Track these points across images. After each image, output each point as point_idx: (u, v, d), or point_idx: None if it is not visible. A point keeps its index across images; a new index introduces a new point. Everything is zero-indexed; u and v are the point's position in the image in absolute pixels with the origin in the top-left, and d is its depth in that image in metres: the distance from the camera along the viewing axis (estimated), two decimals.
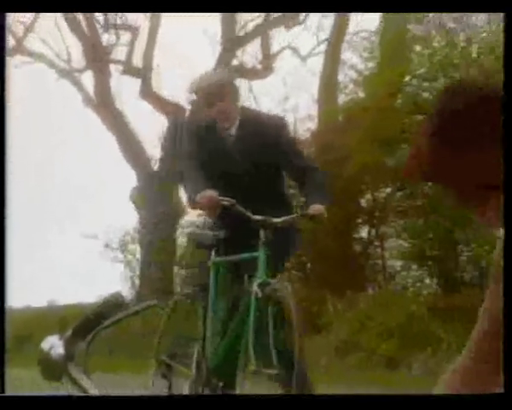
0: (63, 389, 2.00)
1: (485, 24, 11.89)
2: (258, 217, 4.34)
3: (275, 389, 3.99)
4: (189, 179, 4.62)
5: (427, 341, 8.93)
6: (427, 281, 12.04)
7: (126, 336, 12.90)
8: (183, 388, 4.62)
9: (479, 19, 12.01)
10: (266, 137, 4.53)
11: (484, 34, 11.67)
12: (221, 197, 4.33)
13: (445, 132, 1.93)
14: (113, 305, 2.12)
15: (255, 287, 4.14)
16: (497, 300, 2.05)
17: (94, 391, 1.97)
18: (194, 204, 4.56)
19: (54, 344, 1.97)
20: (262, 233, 4.29)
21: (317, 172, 4.63)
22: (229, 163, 4.57)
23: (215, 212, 4.44)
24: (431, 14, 12.01)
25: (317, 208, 4.39)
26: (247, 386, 4.17)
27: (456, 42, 11.71)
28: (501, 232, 2.04)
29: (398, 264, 12.50)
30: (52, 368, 1.93)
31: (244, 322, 4.25)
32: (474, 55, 11.48)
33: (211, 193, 4.33)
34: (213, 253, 4.70)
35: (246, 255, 4.45)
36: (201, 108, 4.72)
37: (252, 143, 4.53)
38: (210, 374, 4.49)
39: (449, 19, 12.04)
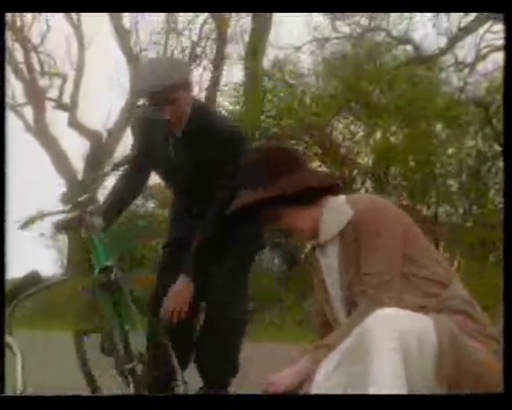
0: None
1: (315, 83, 12.65)
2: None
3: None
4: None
5: (273, 301, 9.81)
6: (276, 261, 12.61)
7: (58, 301, 12.87)
8: None
9: (311, 78, 12.76)
10: (212, 146, 2.96)
11: (313, 89, 12.40)
12: None
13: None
14: (30, 280, 2.10)
15: (96, 274, 3.04)
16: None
17: (16, 347, 1.85)
18: None
19: None
20: (87, 217, 3.02)
21: (214, 206, 2.94)
22: (169, 163, 3.08)
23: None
24: (278, 74, 12.62)
25: None
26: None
27: (295, 93, 12.36)
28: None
29: None
30: None
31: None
32: (308, 102, 12.19)
33: None
34: None
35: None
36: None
37: (194, 147, 3.01)
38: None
39: (290, 77, 12.69)
